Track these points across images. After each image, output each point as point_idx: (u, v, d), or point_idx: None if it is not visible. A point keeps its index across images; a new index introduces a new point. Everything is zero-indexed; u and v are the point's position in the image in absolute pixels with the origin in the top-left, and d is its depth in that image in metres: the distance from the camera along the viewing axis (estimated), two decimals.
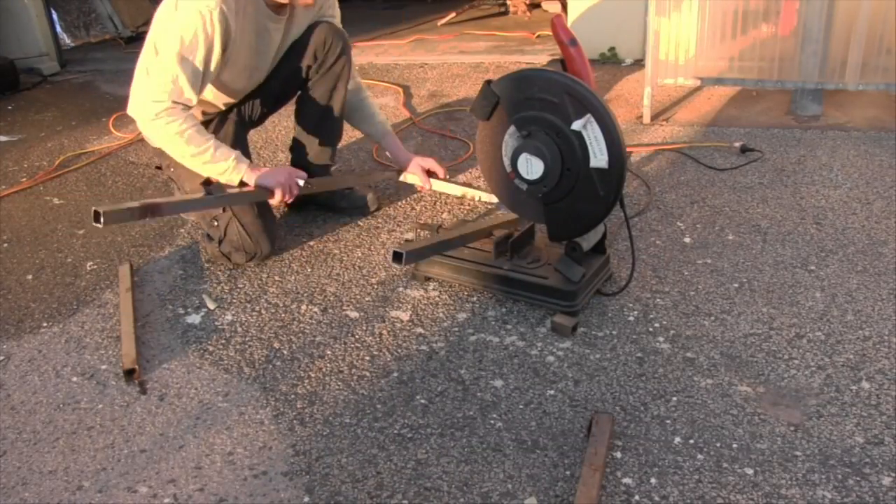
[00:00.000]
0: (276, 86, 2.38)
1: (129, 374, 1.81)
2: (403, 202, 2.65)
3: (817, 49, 2.97)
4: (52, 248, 2.53)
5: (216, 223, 2.23)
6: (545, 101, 1.78)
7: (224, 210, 2.21)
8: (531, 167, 1.82)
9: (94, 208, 1.75)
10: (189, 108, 2.05)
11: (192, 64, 1.98)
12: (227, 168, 2.09)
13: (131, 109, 2.07)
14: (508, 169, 1.89)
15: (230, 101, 2.34)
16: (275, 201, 2.15)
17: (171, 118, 2.00)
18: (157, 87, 1.99)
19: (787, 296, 1.98)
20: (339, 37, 2.35)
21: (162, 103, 1.99)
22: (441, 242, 1.71)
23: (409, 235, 2.43)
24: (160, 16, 2.01)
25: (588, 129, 1.73)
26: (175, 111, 2.00)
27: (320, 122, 2.44)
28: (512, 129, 1.86)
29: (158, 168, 2.44)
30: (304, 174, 2.21)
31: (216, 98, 2.29)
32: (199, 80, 2.03)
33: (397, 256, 1.67)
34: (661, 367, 1.74)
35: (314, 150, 2.48)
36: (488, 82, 1.85)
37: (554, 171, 1.80)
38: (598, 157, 1.74)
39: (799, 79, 3.07)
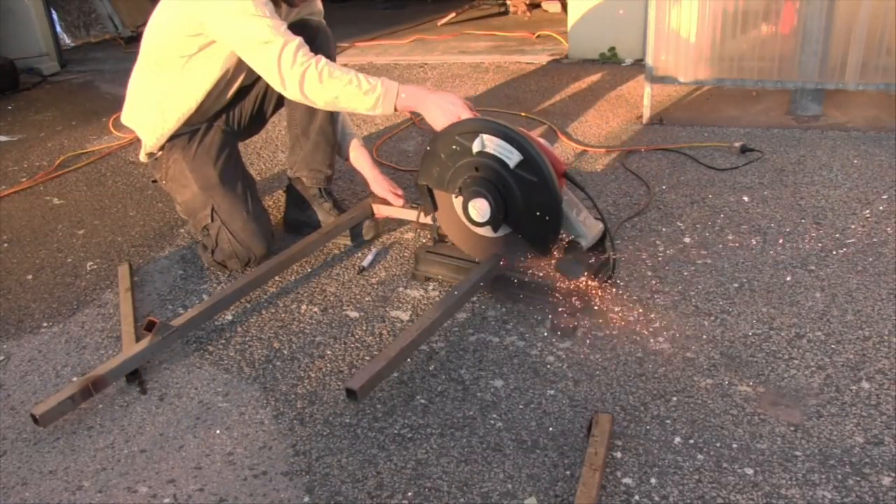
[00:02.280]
0: (260, 88, 2.32)
1: (132, 374, 1.81)
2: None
3: (817, 49, 2.97)
4: (52, 248, 2.53)
5: (208, 232, 2.22)
6: (451, 155, 1.93)
7: (213, 219, 2.20)
8: (481, 210, 1.92)
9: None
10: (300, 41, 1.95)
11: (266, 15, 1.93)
12: (377, 96, 1.92)
13: (289, 91, 1.98)
14: (473, 227, 1.98)
15: (215, 107, 2.30)
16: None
17: (301, 62, 1.91)
18: (265, 40, 1.91)
19: (787, 296, 1.98)
20: (322, 35, 2.23)
21: (279, 44, 1.90)
22: (391, 361, 1.64)
23: (409, 235, 2.43)
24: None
25: (486, 143, 1.85)
26: (295, 47, 1.92)
27: (307, 125, 2.34)
28: (451, 197, 1.99)
29: (154, 182, 2.43)
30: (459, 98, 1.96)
31: (208, 100, 2.25)
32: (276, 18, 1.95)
33: (351, 394, 1.54)
34: (661, 367, 1.74)
35: (306, 156, 2.39)
36: (416, 183, 2.06)
37: (495, 197, 1.88)
38: (510, 156, 1.83)
39: (799, 79, 3.07)
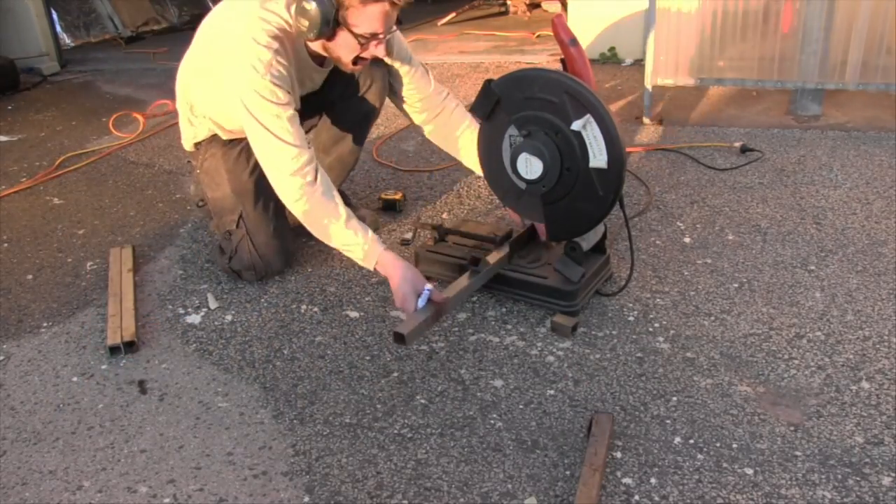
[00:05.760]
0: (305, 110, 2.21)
1: (129, 346, 1.89)
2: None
3: (817, 49, 2.97)
4: (52, 248, 2.53)
5: (230, 237, 2.18)
6: (545, 101, 1.78)
7: (238, 226, 2.17)
8: (530, 167, 1.81)
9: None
10: (312, 161, 1.88)
11: (284, 119, 1.85)
12: (357, 244, 1.86)
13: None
14: (508, 167, 1.89)
15: None
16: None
17: (304, 192, 1.87)
18: (281, 166, 1.87)
19: (787, 296, 1.98)
20: (380, 76, 2.19)
21: (294, 177, 1.86)
22: (438, 310, 1.76)
23: (408, 235, 2.43)
24: (229, 72, 1.87)
25: (587, 129, 1.73)
26: (307, 178, 1.86)
27: (329, 146, 2.31)
28: (512, 128, 1.86)
29: (189, 161, 2.38)
30: (426, 283, 1.83)
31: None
32: (296, 125, 1.88)
33: (399, 337, 1.64)
34: (661, 367, 1.74)
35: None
36: (489, 81, 1.85)
37: (553, 170, 1.79)
38: (598, 157, 1.74)
39: (799, 79, 3.07)
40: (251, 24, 1.84)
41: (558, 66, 2.10)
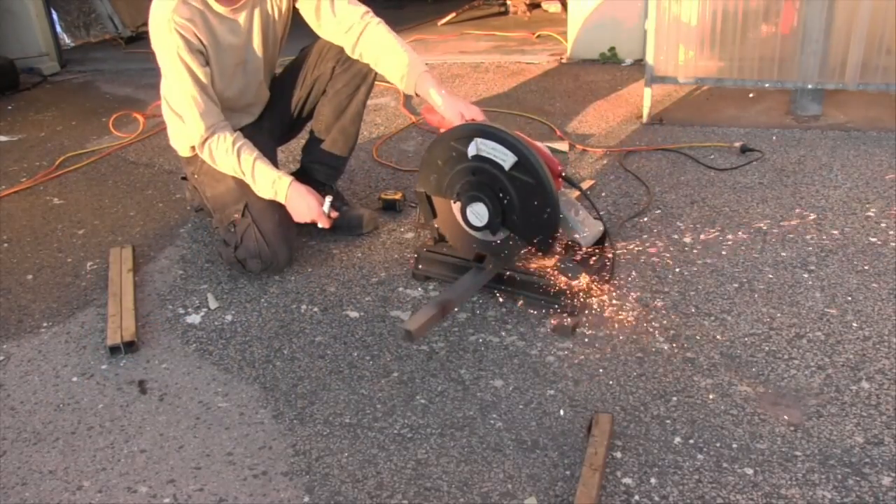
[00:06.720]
0: (301, 94, 2.38)
1: (129, 346, 1.89)
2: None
3: (817, 49, 2.97)
4: (52, 248, 2.53)
5: (233, 228, 2.19)
6: (448, 161, 1.94)
7: (244, 215, 2.18)
8: (479, 214, 1.91)
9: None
10: (224, 122, 2.12)
11: (194, 84, 2.06)
12: (273, 180, 2.10)
13: (178, 147, 2.28)
14: (474, 233, 1.98)
15: (250, 105, 2.35)
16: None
17: (217, 138, 2.10)
18: (192, 123, 2.10)
19: (787, 296, 1.98)
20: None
21: (204, 134, 2.09)
22: (444, 307, 1.84)
23: (409, 235, 2.43)
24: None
25: (482, 147, 1.86)
26: (217, 131, 2.10)
27: (332, 122, 2.39)
28: (450, 203, 1.99)
29: (184, 178, 2.44)
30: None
31: (239, 103, 2.28)
32: (209, 90, 2.10)
33: (407, 334, 1.74)
34: (661, 367, 1.74)
35: (322, 151, 2.42)
36: (415, 190, 2.08)
37: (492, 200, 1.88)
38: (506, 158, 1.83)
39: (799, 79, 3.07)
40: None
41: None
